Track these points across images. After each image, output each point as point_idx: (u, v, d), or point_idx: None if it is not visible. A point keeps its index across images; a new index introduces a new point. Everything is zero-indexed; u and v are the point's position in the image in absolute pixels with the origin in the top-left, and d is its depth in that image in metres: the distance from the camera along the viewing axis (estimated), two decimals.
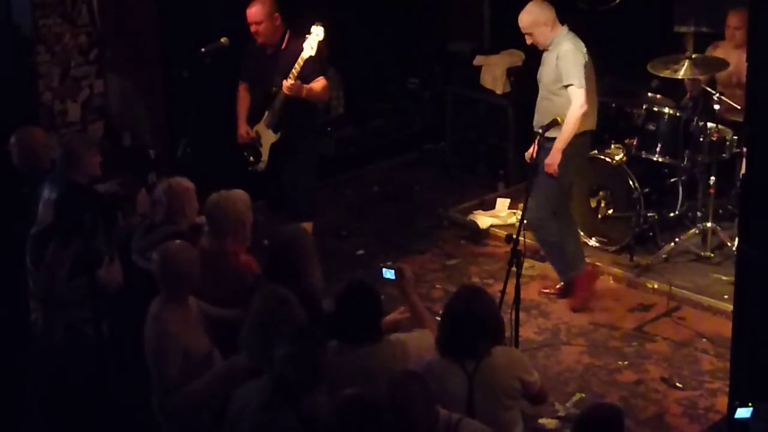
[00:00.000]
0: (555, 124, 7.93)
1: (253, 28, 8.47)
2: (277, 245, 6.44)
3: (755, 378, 5.85)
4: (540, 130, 7.99)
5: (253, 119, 8.69)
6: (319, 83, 8.48)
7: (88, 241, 6.50)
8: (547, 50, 8.26)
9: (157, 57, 9.77)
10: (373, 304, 5.77)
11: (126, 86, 9.14)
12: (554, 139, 8.08)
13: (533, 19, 8.20)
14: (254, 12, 8.44)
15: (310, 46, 8.33)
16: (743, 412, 5.49)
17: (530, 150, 8.13)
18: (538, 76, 8.39)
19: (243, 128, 8.73)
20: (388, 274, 6.33)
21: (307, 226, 8.69)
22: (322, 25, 8.33)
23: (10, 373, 6.59)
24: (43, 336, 6.76)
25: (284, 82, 8.31)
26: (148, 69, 9.63)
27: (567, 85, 8.07)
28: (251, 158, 8.71)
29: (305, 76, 8.38)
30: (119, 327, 6.65)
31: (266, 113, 8.59)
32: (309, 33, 8.35)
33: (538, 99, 8.37)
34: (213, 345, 6.06)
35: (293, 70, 8.32)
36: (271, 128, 8.59)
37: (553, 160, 8.07)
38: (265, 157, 8.67)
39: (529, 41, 8.32)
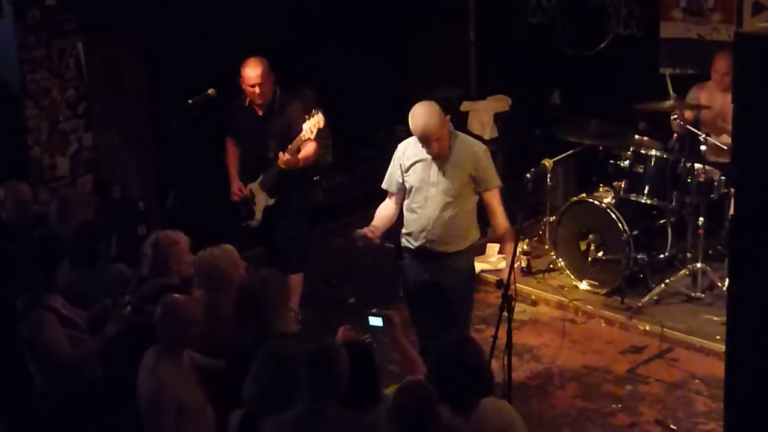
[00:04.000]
0: None
1: (254, 90, 8.46)
2: (245, 291, 6.32)
3: (749, 419, 5.84)
4: (440, 248, 7.34)
5: (246, 177, 8.71)
6: (310, 148, 8.53)
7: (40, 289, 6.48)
8: (444, 154, 7.29)
9: (145, 109, 9.80)
10: (370, 367, 5.62)
11: (114, 139, 9.16)
12: (457, 254, 7.37)
13: (439, 120, 7.22)
14: (256, 74, 8.43)
15: (309, 130, 8.40)
16: None
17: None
18: (426, 181, 7.33)
19: (236, 185, 8.76)
20: (376, 321, 6.29)
21: (297, 277, 8.73)
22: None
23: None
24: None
25: (280, 155, 8.37)
26: (135, 121, 9.66)
27: (490, 188, 7.38)
28: (245, 215, 8.73)
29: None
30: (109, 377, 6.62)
31: (261, 176, 8.63)
32: (309, 115, 8.39)
33: (433, 211, 7.32)
34: (206, 398, 6.03)
35: (290, 147, 8.39)
36: (266, 191, 8.62)
37: None
38: (258, 216, 8.71)
39: (435, 149, 7.23)
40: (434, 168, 7.29)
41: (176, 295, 6.16)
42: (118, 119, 9.27)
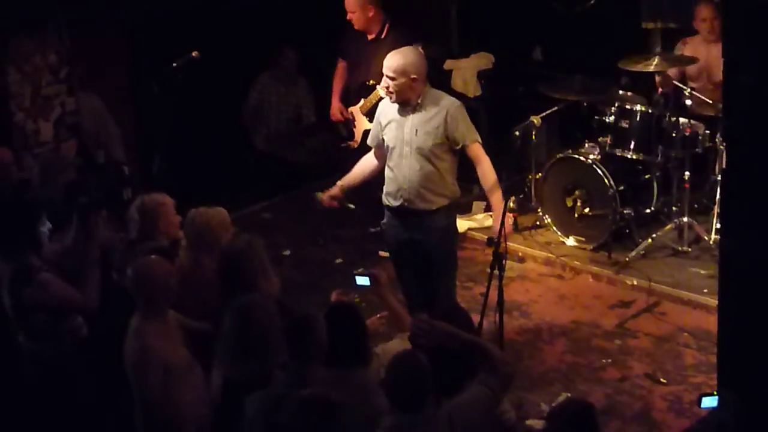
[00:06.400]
0: None
1: (348, 16, 8.88)
2: (229, 258, 6.32)
3: (742, 370, 5.89)
4: (401, 203, 7.27)
5: (347, 101, 9.13)
6: None
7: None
8: (417, 108, 7.20)
9: (127, 73, 9.75)
10: (359, 327, 5.64)
11: (97, 104, 9.09)
12: (436, 212, 7.31)
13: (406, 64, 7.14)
14: (349, 2, 8.85)
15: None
16: (709, 402, 5.59)
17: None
18: (400, 139, 7.23)
19: (337, 107, 9.25)
20: (363, 281, 6.33)
21: None
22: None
23: None
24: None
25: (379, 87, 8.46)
26: (118, 86, 9.60)
27: (468, 143, 7.19)
28: (344, 136, 9.16)
29: None
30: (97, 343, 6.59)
31: (362, 101, 8.98)
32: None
33: (407, 170, 7.22)
34: (194, 358, 6.04)
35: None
36: (366, 117, 8.90)
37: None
38: (358, 138, 9.05)
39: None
40: (407, 127, 7.19)
41: (148, 256, 6.16)
42: (100, 83, 9.21)
